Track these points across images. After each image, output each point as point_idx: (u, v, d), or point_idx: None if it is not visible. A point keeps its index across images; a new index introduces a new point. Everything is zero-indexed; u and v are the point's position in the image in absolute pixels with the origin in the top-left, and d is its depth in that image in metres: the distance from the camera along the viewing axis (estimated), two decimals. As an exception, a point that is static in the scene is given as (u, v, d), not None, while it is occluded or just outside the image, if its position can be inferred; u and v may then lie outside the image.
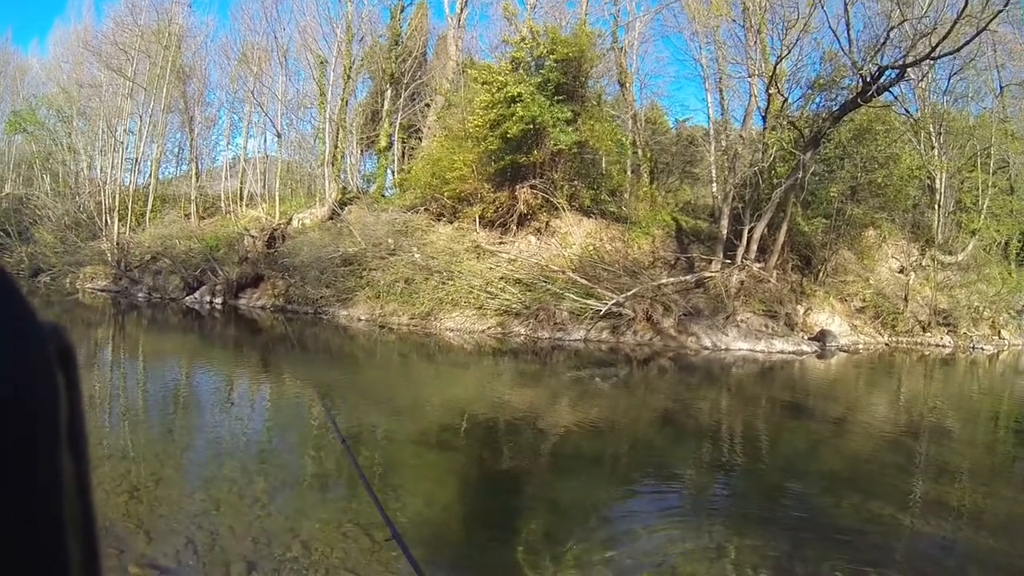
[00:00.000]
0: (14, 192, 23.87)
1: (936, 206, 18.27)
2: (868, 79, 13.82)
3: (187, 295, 17.00)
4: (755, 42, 18.14)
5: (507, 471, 5.53)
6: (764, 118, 16.83)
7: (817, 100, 16.64)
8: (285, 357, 11.67)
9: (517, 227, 16.36)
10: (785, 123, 16.44)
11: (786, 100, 16.63)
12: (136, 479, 4.87)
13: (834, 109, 15.32)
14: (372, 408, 7.61)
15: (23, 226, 21.46)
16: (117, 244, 18.66)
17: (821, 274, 16.80)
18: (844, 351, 14.81)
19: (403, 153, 20.92)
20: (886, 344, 15.85)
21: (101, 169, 21.53)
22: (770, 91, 16.16)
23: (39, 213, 21.39)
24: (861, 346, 15.47)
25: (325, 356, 12.29)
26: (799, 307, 16.01)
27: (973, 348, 16.02)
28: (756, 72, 17.75)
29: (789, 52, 16.05)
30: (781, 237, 16.09)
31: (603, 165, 18.86)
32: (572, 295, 14.87)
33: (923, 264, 17.87)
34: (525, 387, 9.78)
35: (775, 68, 16.02)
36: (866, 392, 10.80)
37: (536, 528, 4.26)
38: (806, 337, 15.01)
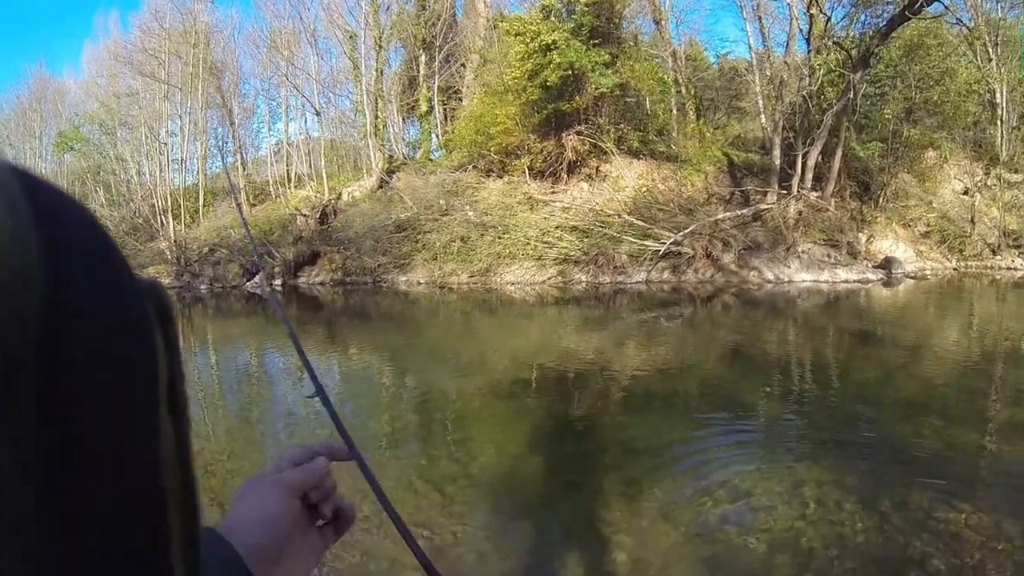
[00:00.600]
0: (71, 205, 24.61)
1: (998, 122, 17.09)
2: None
3: (247, 281, 17.21)
4: None
5: (577, 416, 5.33)
6: (808, 41, 15.95)
7: (862, 18, 15.76)
8: (348, 328, 11.61)
9: (568, 175, 15.99)
10: (830, 44, 15.55)
11: (829, 20, 15.63)
12: (209, 455, 4.83)
13: (881, 26, 14.44)
14: (439, 366, 7.45)
15: (84, 237, 22.08)
16: (175, 242, 19.01)
17: (881, 200, 16.07)
18: (911, 278, 14.16)
19: (445, 116, 20.68)
20: (954, 269, 15.12)
21: (149, 173, 21.94)
22: (811, 11, 15.24)
23: (97, 223, 21.96)
24: (928, 272, 14.78)
25: (388, 322, 12.21)
26: (861, 235, 15.41)
27: (1047, 270, 14.98)
28: None
29: None
30: (836, 164, 15.43)
31: (647, 106, 18.23)
32: (629, 237, 14.51)
33: (988, 184, 16.87)
34: (590, 333, 9.52)
35: None
36: (937, 318, 10.20)
37: (611, 469, 4.08)
38: (870, 265, 14.46)
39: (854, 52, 14.82)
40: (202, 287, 18.22)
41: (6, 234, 0.16)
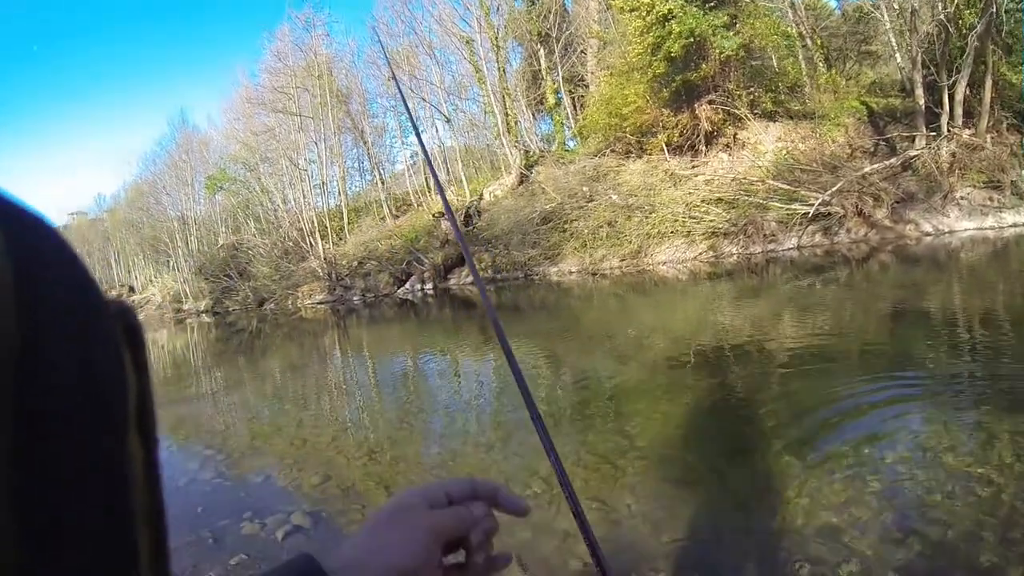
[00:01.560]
0: (227, 242, 27.24)
1: None
2: None
3: (398, 288, 18.18)
4: None
5: (738, 387, 5.18)
6: None
7: None
8: (505, 325, 11.85)
9: (706, 147, 15.70)
10: None
11: None
12: (373, 443, 5.16)
13: None
14: (596, 350, 7.47)
15: (241, 267, 24.34)
16: (324, 259, 20.46)
17: None
18: None
19: (574, 104, 20.84)
20: None
21: (294, 200, 23.77)
22: None
23: (251, 252, 24.15)
24: None
25: (542, 313, 12.42)
26: None
27: None
28: None
29: None
30: (987, 94, 14.02)
31: (775, 64, 17.48)
32: (776, 203, 14.05)
33: None
34: (745, 306, 9.25)
35: None
36: None
37: (778, 434, 3.92)
38: None
39: None
40: (355, 298, 19.44)
41: None
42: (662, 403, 5.13)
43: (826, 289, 9.70)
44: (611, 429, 4.51)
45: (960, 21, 14.70)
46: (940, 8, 14.78)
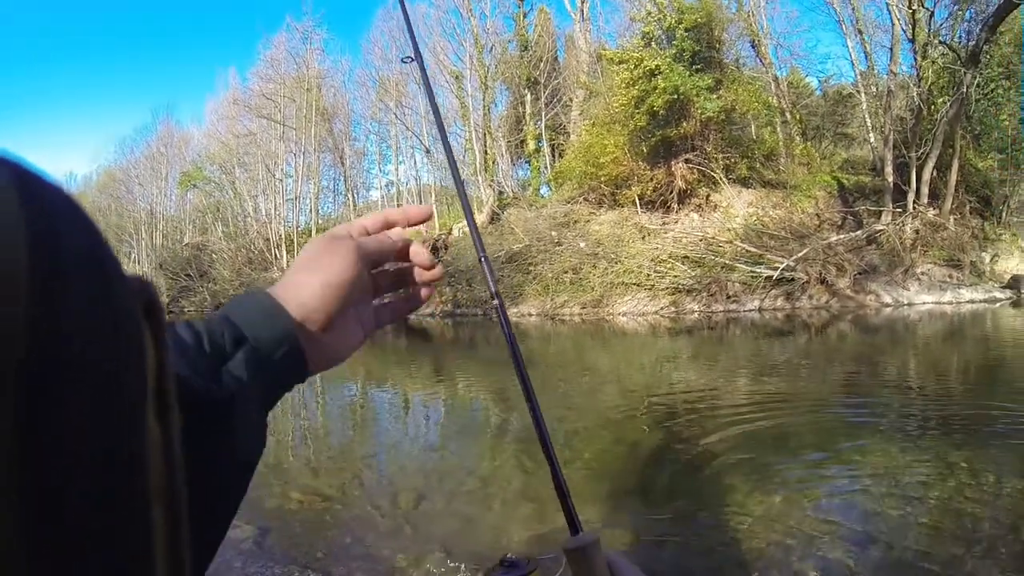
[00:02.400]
0: (192, 241, 26.63)
1: None
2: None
3: (358, 311, 17.79)
4: None
5: (690, 438, 5.05)
6: (912, 42, 15.17)
7: (967, 14, 14.82)
8: (456, 359, 11.73)
9: (678, 205, 15.86)
10: (936, 42, 14.73)
11: (932, 15, 14.79)
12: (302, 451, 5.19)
13: (988, 18, 13.52)
14: (548, 393, 7.28)
15: (203, 268, 23.77)
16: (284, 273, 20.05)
17: (1005, 215, 15.12)
18: None
19: (552, 152, 21.02)
20: None
21: (265, 211, 23.43)
22: (912, 7, 14.50)
23: (215, 255, 23.61)
24: None
25: (498, 352, 12.22)
26: (984, 254, 14.51)
27: None
28: None
29: None
30: (953, 177, 14.53)
31: (753, 131, 17.91)
32: (742, 265, 14.20)
33: None
34: (702, 365, 9.19)
35: None
36: None
37: (732, 478, 4.02)
38: (997, 285, 13.49)
39: (962, 52, 14.00)
40: (314, 316, 19.04)
41: None
42: (609, 451, 5.00)
43: (784, 353, 9.71)
44: (549, 485, 4.32)
45: (932, 105, 15.24)
46: (914, 89, 15.32)
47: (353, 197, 23.58)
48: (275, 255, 21.17)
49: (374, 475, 4.93)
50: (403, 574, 3.17)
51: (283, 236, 21.51)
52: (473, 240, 0.68)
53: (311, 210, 23.70)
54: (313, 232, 22.38)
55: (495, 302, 0.64)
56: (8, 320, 0.16)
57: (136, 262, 30.17)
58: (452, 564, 3.21)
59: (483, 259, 0.76)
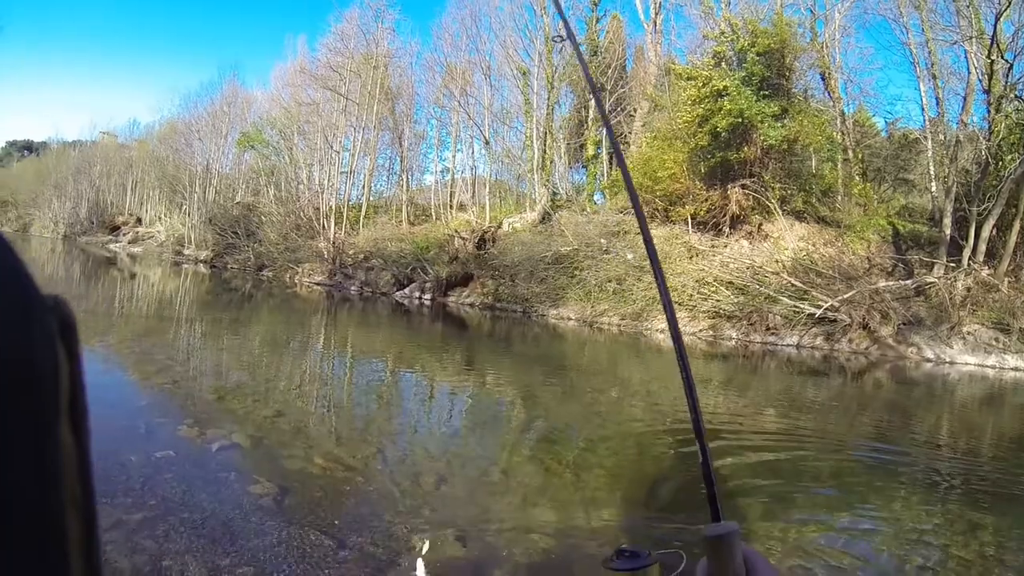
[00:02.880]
0: (243, 200, 27.33)
1: None
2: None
3: (397, 291, 18.17)
4: (967, 6, 16.03)
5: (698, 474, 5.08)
6: (987, 93, 14.77)
7: None
8: (491, 353, 11.88)
9: (730, 230, 15.81)
10: (1012, 96, 14.33)
11: (1011, 68, 14.35)
12: (334, 417, 5.48)
13: None
14: (575, 406, 7.37)
15: (251, 228, 24.39)
16: (333, 243, 20.49)
17: None
18: None
19: (610, 160, 21.09)
20: None
21: (319, 180, 23.91)
22: (991, 57, 14.13)
23: (264, 218, 24.22)
24: None
25: (533, 353, 12.37)
26: None
27: None
28: (970, 35, 15.58)
29: (1009, 5, 13.88)
30: (1013, 238, 14.13)
31: (813, 165, 17.72)
32: (785, 299, 14.06)
33: None
34: (733, 392, 9.20)
35: (995, 27, 14.07)
36: None
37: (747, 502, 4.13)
38: None
39: None
40: (352, 288, 19.44)
41: None
42: (630, 461, 5.11)
43: (816, 394, 9.68)
44: (569, 486, 4.47)
45: (1000, 161, 14.88)
46: (983, 141, 14.97)
47: (407, 178, 23.93)
48: (323, 225, 21.60)
49: (397, 452, 5.02)
50: (416, 554, 3.21)
51: (333, 208, 21.95)
52: (652, 269, 0.73)
53: (364, 186, 24.12)
54: (364, 208, 22.83)
55: (666, 325, 0.64)
56: None
57: (187, 213, 31.06)
58: (466, 550, 3.29)
59: (660, 285, 0.74)
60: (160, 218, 36.33)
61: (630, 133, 19.89)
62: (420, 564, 3.08)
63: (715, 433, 6.02)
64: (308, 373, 8.31)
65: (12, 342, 0.20)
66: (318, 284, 20.47)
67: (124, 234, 39.67)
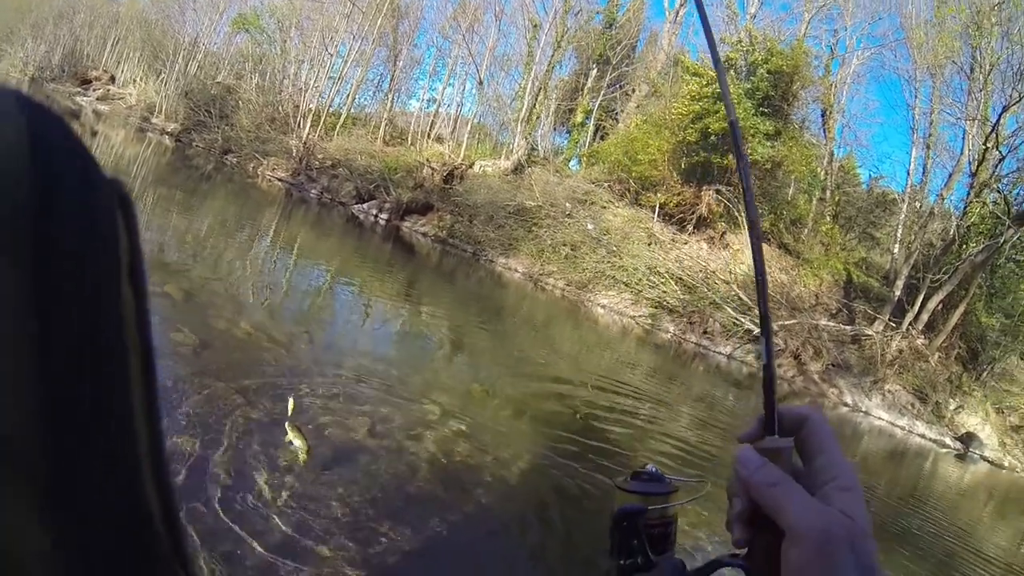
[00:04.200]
0: (224, 81, 26.10)
1: None
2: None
3: (356, 204, 17.70)
4: (980, 89, 16.36)
5: (603, 445, 5.01)
6: (973, 177, 15.13)
7: None
8: (433, 285, 11.65)
9: (694, 229, 15.84)
10: (994, 186, 14.73)
11: (1002, 160, 14.73)
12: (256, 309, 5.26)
13: None
14: (502, 353, 7.39)
15: (226, 112, 23.33)
16: (304, 144, 19.78)
17: (985, 374, 14.97)
18: (987, 461, 13.10)
19: (595, 131, 20.91)
20: None
21: (304, 80, 23.02)
22: (987, 144, 14.50)
23: (242, 103, 23.17)
24: (1006, 465, 13.46)
25: (473, 295, 12.18)
26: (951, 400, 14.42)
27: None
28: (975, 117, 15.95)
29: (1019, 101, 14.22)
30: (954, 318, 14.63)
31: (790, 193, 17.91)
32: (730, 309, 14.20)
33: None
34: (656, 382, 9.13)
35: (999, 118, 14.42)
36: (991, 523, 8.72)
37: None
38: (951, 434, 13.56)
39: (1014, 208, 14.07)
40: (312, 192, 18.87)
41: (5, 142, 0.21)
42: (535, 417, 5.03)
43: (736, 403, 9.84)
44: (480, 413, 4.54)
45: (965, 244, 15.23)
46: (955, 220, 15.31)
47: (392, 99, 23.28)
48: (298, 123, 20.83)
49: (324, 341, 5.08)
50: (321, 430, 3.37)
51: (312, 109, 21.17)
52: (757, 283, 0.53)
53: (349, 96, 23.34)
54: (343, 117, 22.09)
55: (763, 362, 0.51)
56: (22, 196, 0.21)
57: (164, 83, 29.54)
58: (375, 437, 3.53)
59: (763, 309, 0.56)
60: (135, 81, 34.51)
61: (622, 111, 19.77)
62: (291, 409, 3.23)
63: (628, 415, 6.05)
64: (251, 256, 8.11)
65: (77, 207, 0.23)
66: (280, 180, 19.79)
67: (94, 90, 37.55)
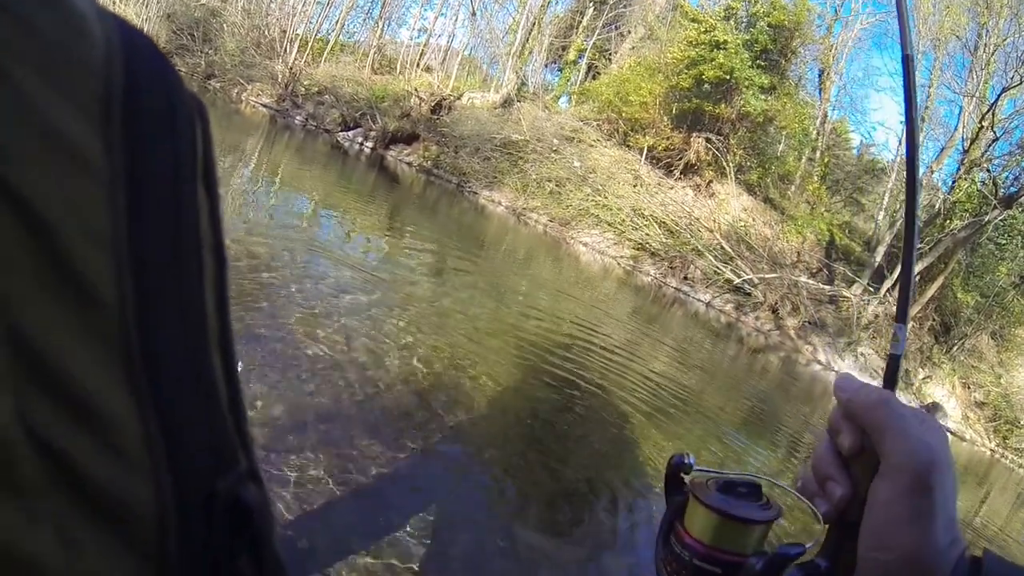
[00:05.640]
0: (209, 3, 25.08)
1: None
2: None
3: (341, 131, 17.32)
4: (982, 68, 16.27)
5: (571, 389, 4.81)
6: (964, 154, 15.14)
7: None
8: (416, 214, 11.47)
9: (680, 175, 15.72)
10: (984, 166, 14.77)
11: (995, 141, 14.75)
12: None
13: None
14: (481, 284, 7.31)
15: (210, 35, 22.47)
16: (290, 69, 19.19)
17: (955, 349, 15.23)
18: (950, 433, 13.35)
19: (587, 71, 20.53)
20: (991, 451, 13.98)
21: (293, 4, 22.25)
22: (982, 124, 14.48)
23: (227, 27, 22.32)
24: (966, 440, 13.82)
25: (456, 225, 12.01)
26: (920, 370, 14.71)
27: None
28: (973, 94, 15.88)
29: (1020, 84, 14.19)
30: (931, 291, 14.82)
31: (780, 149, 17.81)
32: (712, 257, 14.20)
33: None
34: (633, 325, 9.02)
35: (997, 99, 14.40)
36: None
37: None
38: (916, 401, 13.75)
39: (1001, 190, 14.16)
40: (297, 119, 18.42)
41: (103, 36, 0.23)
42: (505, 354, 4.93)
43: (713, 351, 9.88)
44: (455, 340, 4.49)
45: (949, 219, 15.30)
46: (941, 195, 15.36)
47: (383, 26, 22.60)
48: (285, 48, 20.17)
49: (305, 259, 5.07)
50: (296, 343, 3.43)
51: (300, 35, 20.50)
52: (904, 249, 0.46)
53: (338, 22, 22.63)
54: (331, 43, 21.43)
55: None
56: (112, 85, 0.23)
57: (145, 4, 28.35)
58: (346, 351, 3.59)
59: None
60: (114, 3, 33.15)
61: (616, 52, 19.44)
62: None
63: (605, 359, 5.92)
64: (231, 182, 7.80)
65: (163, 101, 0.25)
66: (264, 106, 19.26)
67: (73, 10, 36.08)
